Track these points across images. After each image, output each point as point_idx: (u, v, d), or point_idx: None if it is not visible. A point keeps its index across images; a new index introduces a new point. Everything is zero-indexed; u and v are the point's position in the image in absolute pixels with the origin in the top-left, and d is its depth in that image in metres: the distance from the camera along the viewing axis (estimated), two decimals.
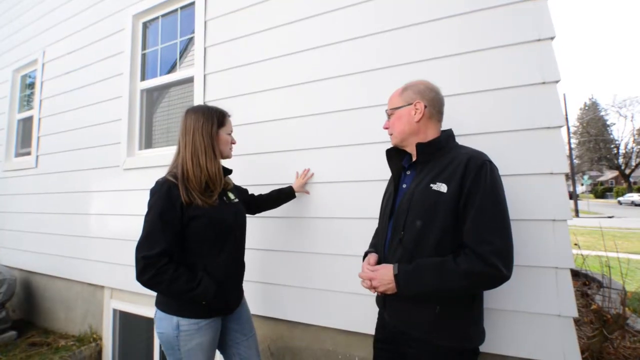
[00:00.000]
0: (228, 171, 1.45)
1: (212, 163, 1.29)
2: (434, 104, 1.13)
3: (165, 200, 1.19)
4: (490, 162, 1.02)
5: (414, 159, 1.17)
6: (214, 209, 1.27)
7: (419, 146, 1.11)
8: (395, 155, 1.24)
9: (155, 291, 1.19)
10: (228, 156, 1.42)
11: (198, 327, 1.22)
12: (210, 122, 1.32)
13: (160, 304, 1.27)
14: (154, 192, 1.23)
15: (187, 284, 1.16)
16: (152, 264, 1.13)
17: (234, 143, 1.44)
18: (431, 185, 1.03)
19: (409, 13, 1.65)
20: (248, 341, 1.43)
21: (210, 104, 2.19)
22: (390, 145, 1.25)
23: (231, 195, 1.44)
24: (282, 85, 1.97)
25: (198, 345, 1.22)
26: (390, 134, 1.21)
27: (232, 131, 1.43)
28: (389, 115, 1.21)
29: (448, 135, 1.16)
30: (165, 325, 1.23)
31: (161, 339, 1.25)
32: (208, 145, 1.29)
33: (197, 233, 1.24)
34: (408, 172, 1.18)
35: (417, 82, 1.17)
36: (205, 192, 1.27)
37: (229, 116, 1.43)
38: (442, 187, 1.01)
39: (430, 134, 1.13)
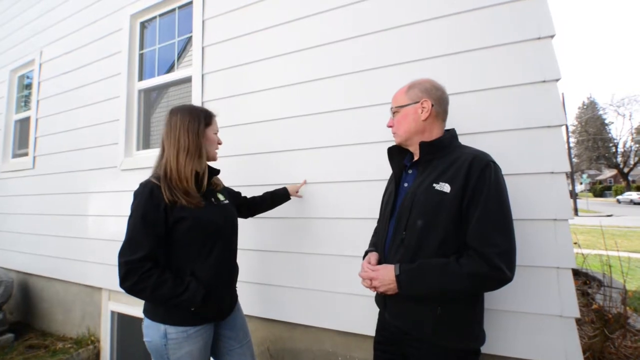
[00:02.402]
0: (216, 172, 1.42)
1: (198, 163, 1.25)
2: (440, 102, 1.12)
3: (148, 202, 1.14)
4: (494, 162, 1.00)
5: (415, 157, 1.15)
6: (201, 210, 1.22)
7: (423, 145, 1.10)
8: (396, 154, 1.22)
9: (140, 298, 1.12)
10: (214, 157, 1.38)
11: (187, 335, 1.17)
12: (197, 121, 1.27)
13: (147, 312, 1.22)
14: (136, 194, 1.18)
15: (173, 289, 1.10)
16: (135, 269, 1.08)
17: (219, 144, 1.40)
18: (434, 185, 1.02)
19: (408, 12, 1.64)
20: (242, 348, 1.38)
21: (208, 103, 2.19)
22: (391, 144, 1.23)
23: (221, 197, 1.40)
24: (280, 85, 1.95)
25: (188, 353, 1.17)
26: (394, 133, 1.19)
27: (218, 131, 1.39)
28: (394, 113, 1.18)
29: (452, 135, 1.14)
30: (152, 333, 1.18)
31: (149, 347, 1.20)
32: (193, 144, 1.24)
33: (183, 235, 1.19)
34: (410, 171, 1.16)
35: (423, 80, 1.15)
36: (190, 193, 1.21)
37: (215, 116, 1.39)
38: (445, 187, 1.00)
39: (435, 134, 1.12)
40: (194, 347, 1.19)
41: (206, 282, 1.20)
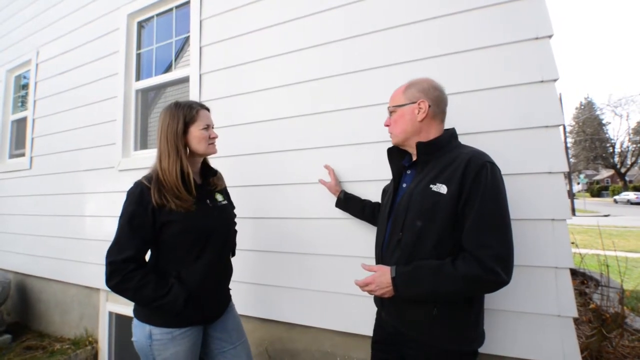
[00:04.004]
0: (213, 172, 1.39)
1: (174, 165, 1.20)
2: (438, 103, 1.10)
3: (137, 204, 1.14)
4: (492, 163, 0.98)
5: (414, 158, 1.14)
6: (191, 213, 1.19)
7: (419, 146, 1.08)
8: (396, 154, 1.21)
9: (124, 297, 1.13)
10: (207, 152, 1.31)
11: (172, 336, 1.16)
12: (176, 121, 1.23)
13: (135, 311, 1.23)
14: (129, 194, 1.18)
15: (154, 291, 1.11)
16: (118, 269, 1.10)
17: (214, 137, 1.32)
18: (431, 186, 1.01)
19: (407, 12, 1.64)
20: (236, 349, 1.36)
21: (206, 103, 2.17)
22: (390, 144, 1.22)
23: (219, 197, 1.37)
24: (278, 85, 1.95)
25: (174, 355, 1.16)
26: (391, 132, 1.18)
27: (209, 125, 1.30)
28: (391, 113, 1.17)
29: (450, 134, 1.12)
30: (138, 333, 1.19)
31: (136, 347, 1.20)
32: (171, 146, 1.21)
33: (171, 238, 1.18)
34: (408, 172, 1.16)
35: (421, 79, 1.14)
36: (181, 196, 1.19)
37: (204, 109, 1.32)
38: (442, 188, 0.99)
39: (432, 134, 1.10)
40: (180, 349, 1.18)
41: (192, 286, 1.19)
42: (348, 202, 1.62)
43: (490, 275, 0.89)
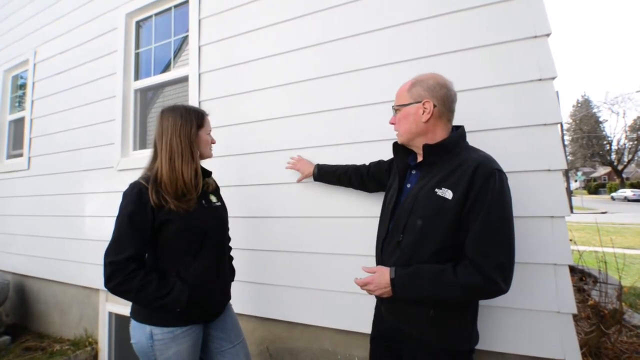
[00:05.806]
0: (208, 173, 1.41)
1: (189, 166, 1.23)
2: (444, 101, 1.05)
3: (136, 203, 1.15)
4: (500, 170, 0.96)
5: (419, 158, 1.12)
6: (189, 213, 1.21)
7: (426, 148, 1.06)
8: (401, 151, 1.18)
9: (125, 299, 1.12)
10: (209, 156, 1.37)
11: (173, 335, 1.16)
12: (189, 123, 1.26)
13: (133, 313, 1.22)
14: (125, 195, 1.19)
15: (157, 290, 1.10)
16: (119, 269, 1.08)
17: (213, 142, 1.39)
18: (436, 190, 0.99)
19: (407, 11, 1.64)
20: (235, 348, 1.37)
21: (205, 103, 2.18)
22: (389, 142, 1.22)
23: (212, 198, 1.39)
24: (278, 84, 1.95)
25: (176, 354, 1.17)
26: (396, 131, 1.15)
27: (211, 130, 1.38)
28: (395, 111, 1.14)
29: (459, 135, 1.08)
30: (138, 335, 1.18)
31: (136, 349, 1.19)
32: (186, 147, 1.23)
33: (169, 238, 1.19)
34: (413, 172, 1.14)
35: (427, 76, 1.09)
36: (182, 197, 1.20)
37: (207, 115, 1.37)
38: (447, 194, 0.97)
39: (439, 134, 1.07)
40: (182, 348, 1.18)
41: (192, 284, 1.19)
42: (322, 176, 1.67)
43: (490, 285, 0.90)
